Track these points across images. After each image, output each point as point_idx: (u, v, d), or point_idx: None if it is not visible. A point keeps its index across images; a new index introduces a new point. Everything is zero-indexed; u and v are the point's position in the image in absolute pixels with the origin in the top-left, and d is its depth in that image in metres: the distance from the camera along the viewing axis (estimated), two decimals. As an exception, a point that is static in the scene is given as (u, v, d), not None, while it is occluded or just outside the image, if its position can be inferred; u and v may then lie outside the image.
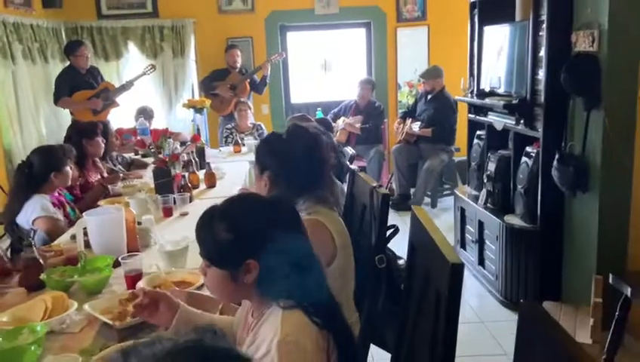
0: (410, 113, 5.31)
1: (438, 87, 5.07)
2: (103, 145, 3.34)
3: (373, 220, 1.67)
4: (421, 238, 1.22)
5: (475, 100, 3.57)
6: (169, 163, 2.92)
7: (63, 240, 2.35)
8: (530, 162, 2.97)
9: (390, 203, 1.99)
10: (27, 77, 4.67)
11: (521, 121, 3.02)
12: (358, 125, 5.32)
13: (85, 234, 2.06)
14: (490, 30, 3.59)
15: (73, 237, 2.30)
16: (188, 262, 1.99)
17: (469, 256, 3.60)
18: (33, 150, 2.83)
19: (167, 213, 2.69)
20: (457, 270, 0.98)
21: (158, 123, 5.41)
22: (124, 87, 5.05)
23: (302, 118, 3.23)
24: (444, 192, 5.22)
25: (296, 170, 1.59)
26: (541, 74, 2.81)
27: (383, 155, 5.38)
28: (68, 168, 2.78)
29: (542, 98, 2.82)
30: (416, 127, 4.96)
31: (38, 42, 4.91)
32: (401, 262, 1.80)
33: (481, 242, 3.40)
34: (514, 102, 3.09)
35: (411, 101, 5.97)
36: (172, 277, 1.77)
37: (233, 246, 1.15)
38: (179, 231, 2.43)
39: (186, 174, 3.15)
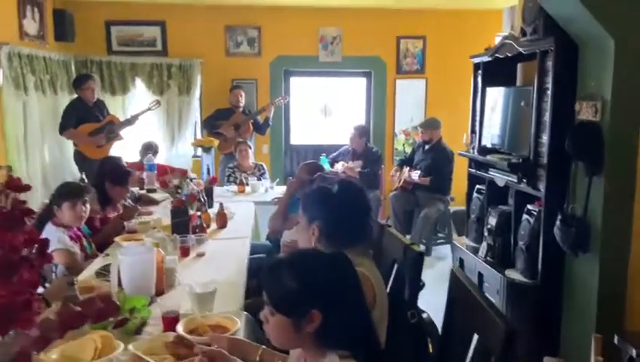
0: (407, 161, 5.49)
1: (436, 137, 5.27)
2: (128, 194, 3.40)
3: (405, 275, 1.77)
4: (464, 298, 1.32)
5: (478, 156, 3.73)
6: (187, 203, 3.00)
7: (86, 275, 2.39)
8: (531, 220, 3.11)
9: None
10: (37, 107, 4.74)
11: (524, 180, 3.18)
12: (357, 170, 5.45)
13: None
14: (492, 91, 3.79)
15: (98, 274, 2.35)
16: (215, 305, 2.04)
17: (467, 307, 3.69)
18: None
19: (185, 252, 2.74)
20: (512, 336, 1.08)
21: (158, 158, 5.49)
22: (129, 122, 5.15)
23: (315, 166, 3.34)
24: (438, 241, 5.35)
25: (345, 223, 1.72)
26: (544, 137, 2.99)
27: (379, 201, 5.51)
28: (80, 206, 2.75)
29: (545, 160, 2.99)
30: (415, 175, 5.12)
31: (49, 74, 5.00)
32: (424, 315, 1.89)
33: (480, 294, 3.50)
34: (514, 160, 3.27)
35: (408, 149, 6.18)
36: (207, 320, 1.83)
37: (299, 296, 1.24)
38: (199, 272, 2.50)
39: (199, 213, 3.22)
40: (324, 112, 6.54)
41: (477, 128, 3.92)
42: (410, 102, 6.27)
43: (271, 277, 1.29)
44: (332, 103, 6.52)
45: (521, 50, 3.18)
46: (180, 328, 1.73)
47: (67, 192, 2.73)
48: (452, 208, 5.32)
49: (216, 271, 2.54)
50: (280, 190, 4.62)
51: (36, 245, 0.98)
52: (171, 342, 1.54)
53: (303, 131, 6.55)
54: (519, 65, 3.64)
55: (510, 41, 3.33)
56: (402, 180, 5.29)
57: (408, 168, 5.33)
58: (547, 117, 2.96)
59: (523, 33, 3.22)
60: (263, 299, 1.30)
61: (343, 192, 1.81)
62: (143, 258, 2.04)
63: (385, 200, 5.68)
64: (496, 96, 3.78)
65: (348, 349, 1.23)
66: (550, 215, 2.92)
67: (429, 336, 1.78)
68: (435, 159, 5.15)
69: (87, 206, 2.78)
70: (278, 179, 5.07)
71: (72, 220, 2.74)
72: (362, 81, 6.41)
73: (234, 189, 4.61)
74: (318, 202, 1.81)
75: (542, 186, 3.02)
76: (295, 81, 6.35)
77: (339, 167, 5.58)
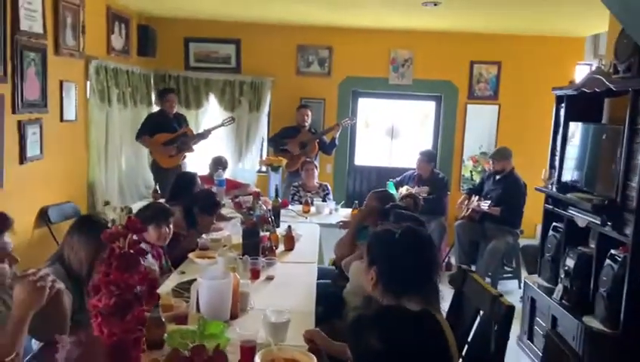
0: (475, 190, 5.34)
1: (508, 167, 5.09)
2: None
3: (491, 327, 1.70)
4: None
5: (559, 194, 3.57)
6: (259, 224, 3.03)
7: (162, 291, 2.45)
8: (615, 266, 2.93)
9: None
10: (117, 119, 4.97)
11: (609, 223, 3.01)
12: (423, 195, 5.34)
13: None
14: (575, 126, 3.63)
15: (174, 292, 2.41)
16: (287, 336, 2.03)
17: (536, 350, 3.53)
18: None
19: (255, 275, 2.77)
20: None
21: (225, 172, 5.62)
22: (202, 135, 5.34)
23: (385, 195, 3.31)
24: (505, 275, 5.15)
25: (402, 272, 1.61)
26: (635, 180, 2.82)
27: (444, 228, 5.38)
28: (165, 229, 2.83)
29: (634, 204, 2.81)
30: (485, 205, 4.96)
31: (131, 87, 5.24)
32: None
33: (552, 338, 3.33)
34: (597, 201, 3.10)
35: (475, 176, 6.03)
36: (283, 353, 1.82)
37: (383, 357, 1.20)
38: (270, 297, 2.51)
39: (267, 234, 3.24)
40: (391, 134, 6.49)
41: (556, 164, 3.76)
42: (480, 128, 6.13)
43: (355, 334, 1.26)
44: (399, 125, 6.46)
45: (611, 86, 3.03)
46: (257, 360, 1.73)
47: (154, 215, 2.83)
48: (521, 241, 5.12)
49: (285, 296, 2.55)
50: (344, 213, 4.61)
51: (147, 284, 1.01)
52: (252, 376, 1.54)
53: (368, 152, 6.52)
54: (606, 101, 3.46)
55: (599, 76, 3.18)
56: (470, 209, 5.15)
57: (477, 197, 5.18)
58: (639, 159, 2.80)
59: (614, 69, 3.07)
60: (329, 326, 1.27)
61: (404, 241, 1.67)
62: (221, 283, 2.07)
63: (449, 227, 5.55)
64: (573, 130, 3.62)
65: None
66: (637, 262, 2.75)
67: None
68: (506, 190, 4.97)
69: (171, 226, 2.87)
70: (343, 202, 5.06)
71: (156, 240, 2.82)
72: (431, 105, 6.32)
73: (298, 208, 4.63)
74: (379, 245, 1.71)
75: (629, 231, 2.84)
76: (363, 102, 6.35)
77: (403, 191, 5.50)
